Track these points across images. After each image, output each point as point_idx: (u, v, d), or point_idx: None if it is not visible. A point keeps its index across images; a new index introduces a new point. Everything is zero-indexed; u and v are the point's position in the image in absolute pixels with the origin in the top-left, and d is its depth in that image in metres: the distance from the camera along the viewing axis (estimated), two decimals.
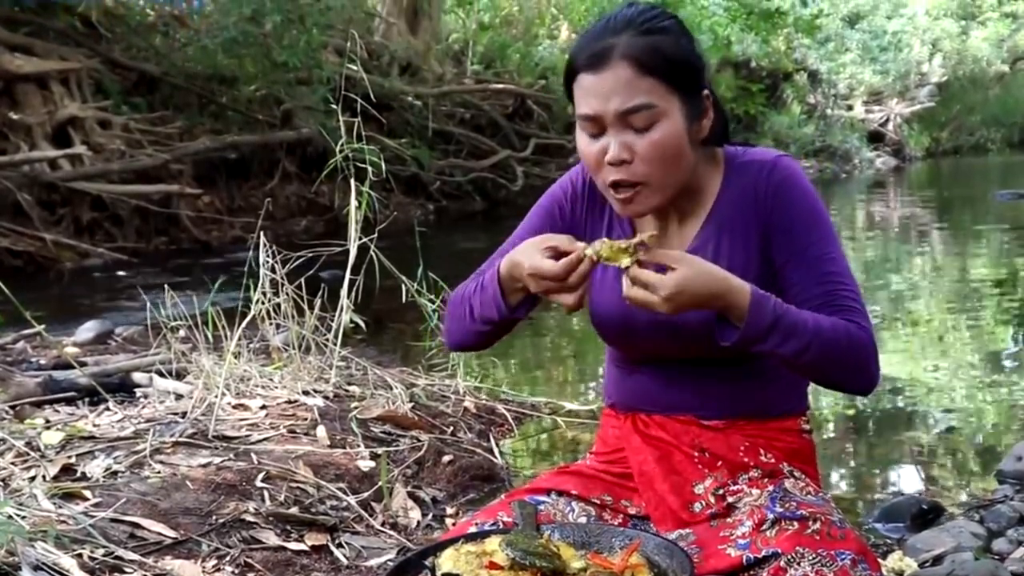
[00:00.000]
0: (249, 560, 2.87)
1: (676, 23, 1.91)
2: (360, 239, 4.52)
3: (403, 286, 4.63)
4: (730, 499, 1.92)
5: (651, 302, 1.75)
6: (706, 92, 1.93)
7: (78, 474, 3.22)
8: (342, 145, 4.52)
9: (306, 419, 3.94)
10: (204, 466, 3.37)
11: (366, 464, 3.63)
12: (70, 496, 3.01)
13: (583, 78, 1.87)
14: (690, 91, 1.89)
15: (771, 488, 1.91)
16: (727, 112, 2.08)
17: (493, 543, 1.72)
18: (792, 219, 1.93)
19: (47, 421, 3.83)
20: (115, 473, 3.25)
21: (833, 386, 1.94)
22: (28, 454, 3.31)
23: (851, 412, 4.83)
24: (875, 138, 30.59)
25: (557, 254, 1.82)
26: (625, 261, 1.77)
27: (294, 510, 3.19)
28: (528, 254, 1.85)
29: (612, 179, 1.87)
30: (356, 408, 4.14)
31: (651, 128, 1.84)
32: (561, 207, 2.11)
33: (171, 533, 2.90)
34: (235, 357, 4.24)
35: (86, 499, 3.00)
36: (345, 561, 3.01)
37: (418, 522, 3.37)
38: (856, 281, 1.94)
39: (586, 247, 1.80)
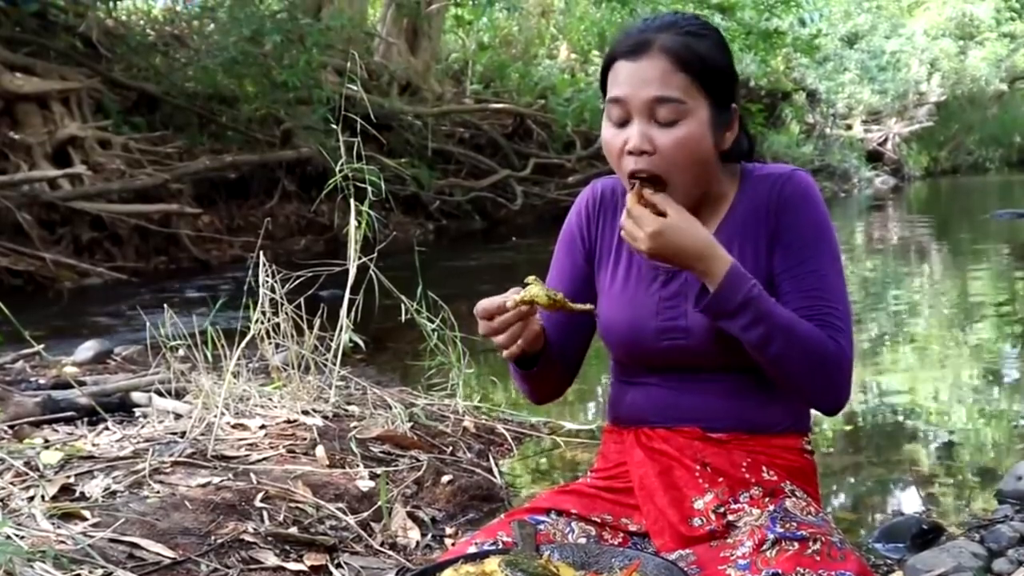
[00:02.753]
0: None
1: (717, 35, 1.97)
2: (359, 258, 4.51)
3: (402, 306, 4.62)
4: (730, 517, 1.91)
5: (636, 236, 1.84)
6: (735, 107, 1.98)
7: (77, 494, 3.21)
8: (342, 165, 4.52)
9: (305, 439, 3.94)
10: (203, 486, 3.36)
11: (365, 484, 3.62)
12: (69, 516, 3.00)
13: (620, 65, 1.92)
14: (720, 99, 1.93)
15: (771, 508, 1.90)
16: (751, 135, 2.11)
17: (492, 564, 1.71)
18: (795, 231, 1.96)
19: (46, 441, 3.82)
20: (114, 493, 3.24)
21: (799, 393, 1.94)
22: (27, 474, 3.30)
23: (851, 432, 4.82)
24: (874, 157, 30.71)
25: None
26: (542, 301, 1.87)
27: (293, 530, 3.18)
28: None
29: (631, 169, 1.91)
30: (355, 428, 4.14)
31: (676, 124, 1.88)
32: (580, 232, 2.16)
33: (170, 553, 2.89)
34: (234, 377, 4.23)
35: (85, 519, 2.99)
36: None
37: (417, 542, 3.35)
38: (848, 302, 1.96)
39: (512, 297, 1.89)
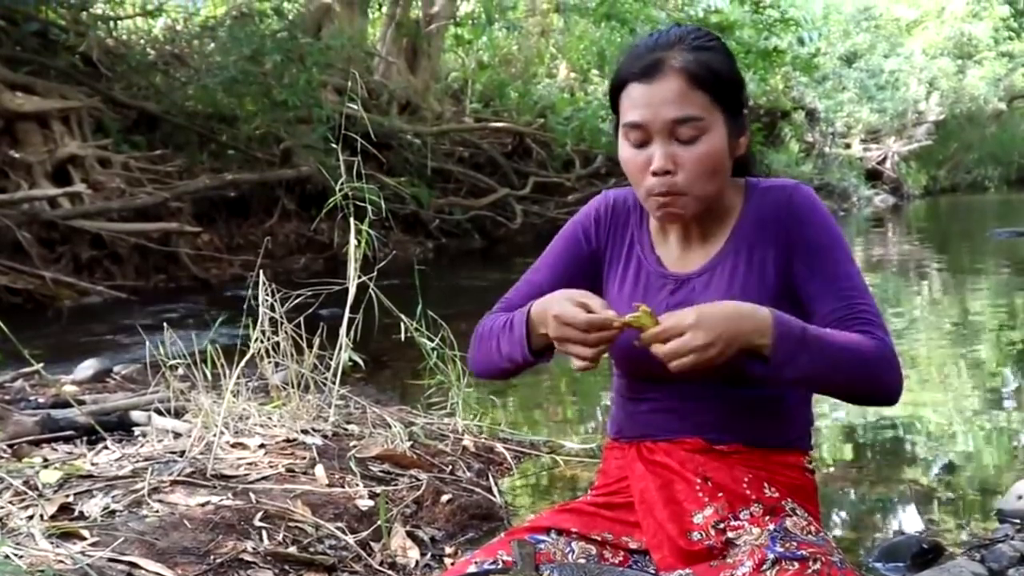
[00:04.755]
0: None
1: (721, 44, 2.00)
2: (359, 277, 4.52)
3: (402, 324, 4.62)
4: (730, 534, 1.91)
5: (688, 342, 1.77)
6: (745, 112, 2.01)
7: (76, 513, 3.21)
8: (341, 183, 4.53)
9: (305, 458, 3.93)
10: (202, 505, 3.36)
11: (365, 503, 3.62)
12: (68, 535, 2.99)
13: (633, 88, 1.93)
14: (734, 109, 1.96)
15: (772, 527, 1.90)
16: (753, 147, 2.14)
17: None
18: (813, 240, 1.99)
19: (45, 460, 3.82)
20: (113, 512, 3.23)
21: (859, 400, 1.96)
22: (26, 493, 3.30)
23: (851, 450, 4.82)
24: (873, 176, 30.74)
25: (588, 310, 1.85)
26: (649, 324, 1.81)
27: (292, 549, 3.18)
28: (559, 302, 1.88)
29: (656, 190, 1.92)
30: (355, 447, 4.13)
31: (696, 141, 1.91)
32: (586, 233, 2.16)
33: (169, 573, 2.88)
34: (234, 395, 4.23)
35: (84, 538, 2.99)
36: None
37: (417, 562, 3.35)
38: (873, 297, 1.99)
39: (617, 318, 1.83)
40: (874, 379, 1.91)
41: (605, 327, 1.84)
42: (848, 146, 30.87)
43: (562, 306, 1.86)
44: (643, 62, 1.92)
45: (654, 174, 1.92)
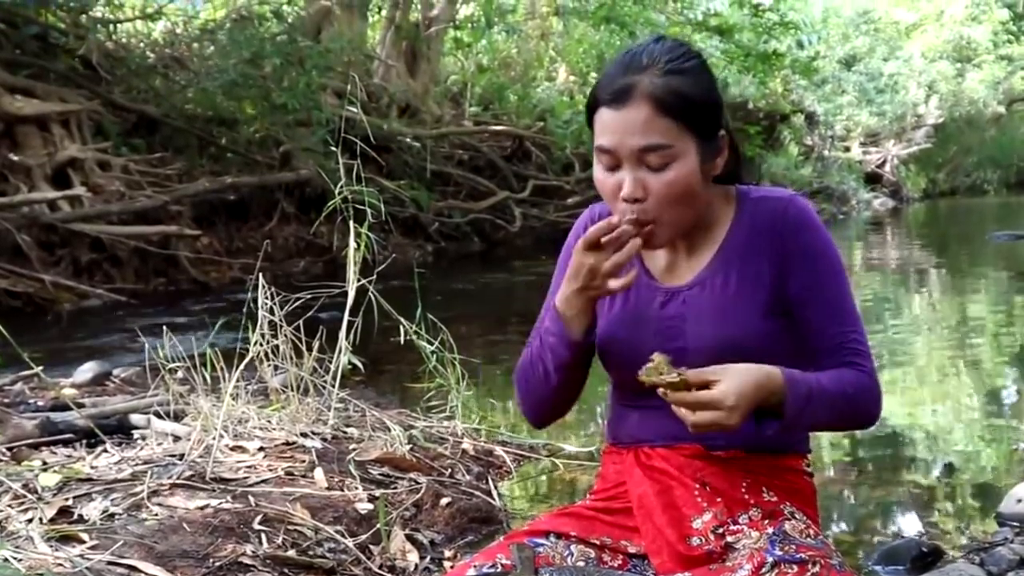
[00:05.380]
0: None
1: (699, 63, 1.96)
2: (359, 280, 4.52)
3: (401, 327, 4.62)
4: (729, 539, 1.91)
5: (721, 419, 1.77)
6: (722, 134, 1.98)
7: (75, 516, 3.20)
8: (341, 187, 4.53)
9: (304, 461, 3.93)
10: (201, 508, 3.36)
11: (364, 506, 3.62)
12: (67, 539, 2.99)
13: (603, 112, 1.92)
14: (706, 132, 1.93)
15: (771, 531, 1.90)
16: (742, 152, 2.12)
17: None
18: (810, 258, 1.98)
19: (44, 463, 3.82)
20: (112, 515, 3.23)
21: (840, 430, 2.01)
22: (25, 496, 3.30)
23: (850, 454, 4.82)
24: (872, 179, 30.76)
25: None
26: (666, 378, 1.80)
27: (292, 553, 3.18)
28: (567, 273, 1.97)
29: (627, 217, 1.91)
30: (354, 450, 4.13)
31: (665, 168, 1.89)
32: None
33: None
34: (233, 399, 4.23)
35: (83, 542, 2.98)
36: None
37: (416, 565, 3.35)
38: (861, 321, 2.01)
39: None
40: (860, 413, 1.98)
41: (609, 229, 1.89)
42: (847, 149, 30.88)
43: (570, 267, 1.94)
44: (614, 86, 1.91)
45: (624, 200, 1.91)
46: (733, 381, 1.78)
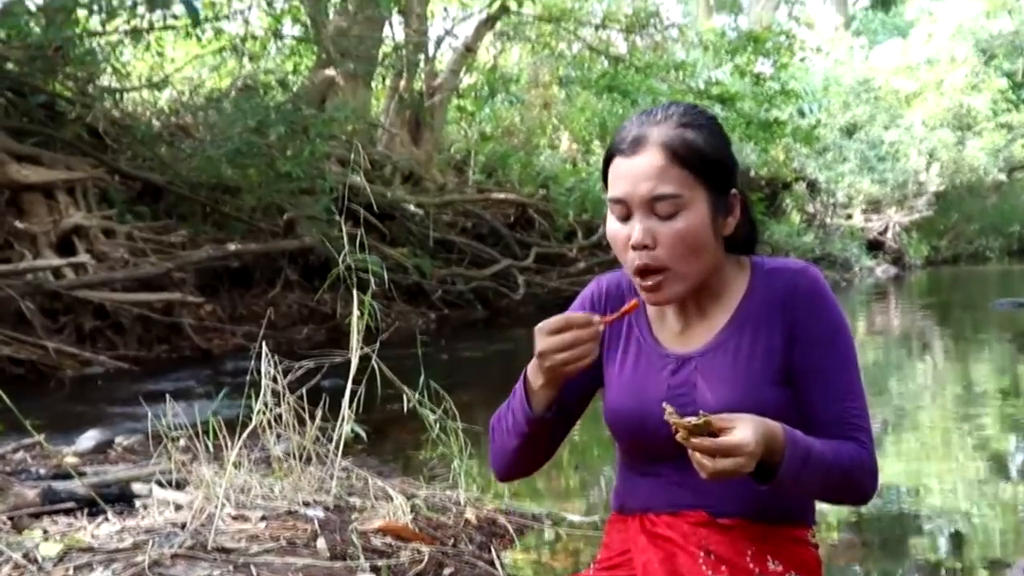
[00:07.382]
0: None
1: (714, 123, 2.00)
2: (362, 348, 4.52)
3: (404, 396, 4.62)
4: None
5: (741, 466, 1.75)
6: (735, 192, 2.00)
7: None
8: (344, 254, 4.55)
9: (306, 530, 3.91)
10: None
11: None
12: None
13: (618, 162, 1.95)
14: (718, 187, 1.95)
15: None
16: (755, 219, 2.13)
17: None
18: (818, 332, 1.98)
19: (45, 532, 3.80)
20: None
21: (833, 502, 1.99)
22: (26, 566, 3.28)
23: (856, 522, 4.79)
24: (874, 246, 30.86)
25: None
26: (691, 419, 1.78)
27: None
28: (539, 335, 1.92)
29: (636, 264, 1.93)
30: (357, 519, 4.11)
31: (675, 217, 1.91)
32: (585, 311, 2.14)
33: None
34: (236, 467, 4.22)
35: None
36: None
37: None
38: (864, 396, 2.00)
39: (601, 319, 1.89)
40: (854, 487, 1.96)
41: (584, 325, 1.88)
42: (849, 216, 31.02)
43: (540, 333, 1.91)
44: (629, 137, 1.94)
45: (633, 248, 1.93)
46: (751, 427, 1.77)
